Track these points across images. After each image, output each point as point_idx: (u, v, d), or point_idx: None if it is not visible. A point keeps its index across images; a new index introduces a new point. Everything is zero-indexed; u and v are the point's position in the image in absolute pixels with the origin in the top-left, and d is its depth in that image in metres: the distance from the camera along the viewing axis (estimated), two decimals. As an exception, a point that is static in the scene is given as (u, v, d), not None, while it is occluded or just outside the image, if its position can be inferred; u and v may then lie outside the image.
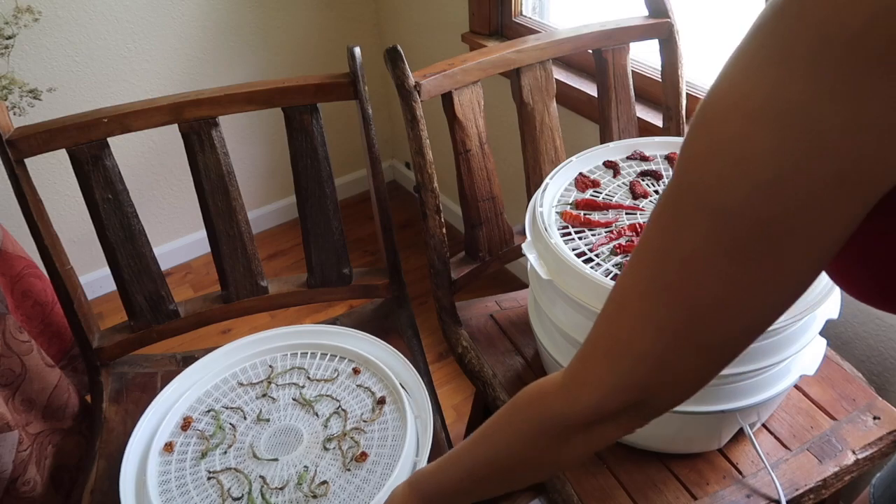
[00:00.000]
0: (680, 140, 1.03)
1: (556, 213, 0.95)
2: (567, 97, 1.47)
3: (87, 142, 0.98)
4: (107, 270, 1.09)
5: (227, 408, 0.96)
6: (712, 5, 1.36)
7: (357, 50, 1.02)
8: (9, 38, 1.56)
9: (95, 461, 0.98)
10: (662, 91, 1.21)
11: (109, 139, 0.99)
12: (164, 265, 1.41)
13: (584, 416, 0.49)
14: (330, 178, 1.10)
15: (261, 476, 0.86)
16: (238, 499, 0.84)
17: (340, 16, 2.09)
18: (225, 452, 0.90)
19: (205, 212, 1.09)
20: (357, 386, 0.98)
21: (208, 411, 0.95)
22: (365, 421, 0.92)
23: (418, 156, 1.04)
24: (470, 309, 1.16)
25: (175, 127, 1.02)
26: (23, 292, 1.10)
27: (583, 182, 1.00)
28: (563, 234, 0.91)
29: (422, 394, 0.93)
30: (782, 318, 0.78)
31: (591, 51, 1.18)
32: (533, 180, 1.18)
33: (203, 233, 1.12)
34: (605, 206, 0.95)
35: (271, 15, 1.97)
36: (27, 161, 0.97)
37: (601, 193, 0.98)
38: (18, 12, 1.55)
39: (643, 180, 1.00)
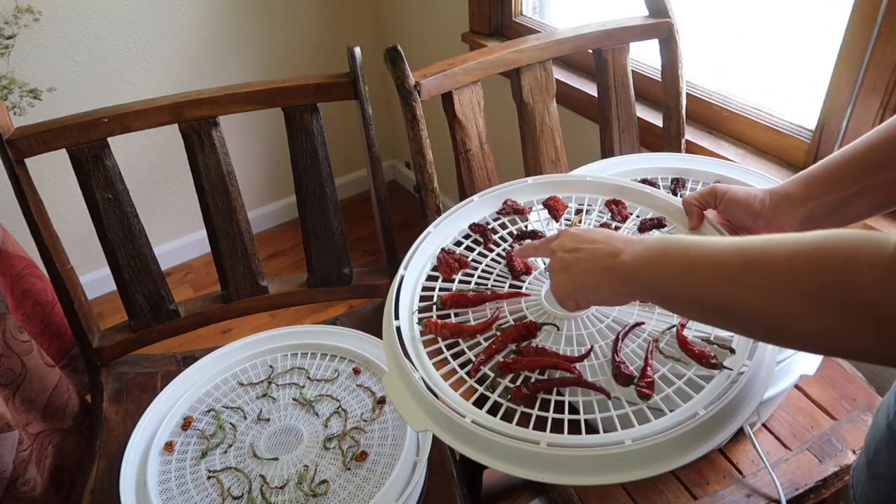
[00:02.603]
0: (553, 178, 0.88)
1: (418, 324, 0.71)
2: (567, 97, 1.47)
3: (87, 142, 0.98)
4: (107, 270, 1.09)
5: (227, 407, 0.96)
6: (712, 5, 1.36)
7: (357, 50, 1.02)
8: (9, 38, 1.56)
9: (95, 461, 0.98)
10: (662, 91, 1.21)
11: (109, 139, 0.99)
12: (164, 265, 1.41)
13: None
14: (330, 177, 1.10)
15: (261, 475, 0.86)
16: (238, 498, 0.84)
17: (340, 16, 2.09)
18: (225, 452, 0.90)
19: (205, 212, 1.09)
20: (357, 386, 0.98)
21: (209, 411, 0.95)
22: (365, 420, 0.92)
23: (418, 156, 1.04)
24: (470, 309, 1.15)
25: (175, 127, 1.02)
26: (23, 292, 1.10)
27: (447, 262, 0.78)
28: (432, 353, 0.69)
29: (422, 394, 0.93)
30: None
31: (591, 51, 1.18)
32: (533, 180, 1.18)
33: (203, 233, 1.12)
34: (479, 300, 0.74)
35: (271, 15, 1.97)
36: (27, 161, 0.97)
37: (473, 276, 0.77)
38: (18, 12, 1.55)
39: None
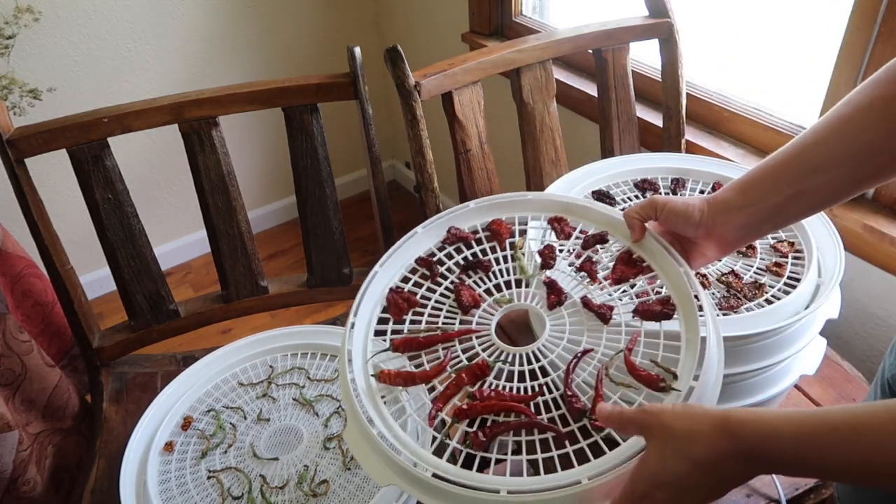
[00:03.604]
0: (495, 199, 0.85)
1: (373, 375, 0.70)
2: (567, 97, 1.47)
3: (87, 142, 0.98)
4: (107, 270, 1.09)
5: (227, 407, 0.96)
6: (712, 5, 1.36)
7: (357, 50, 1.02)
8: (9, 38, 1.56)
9: (95, 461, 0.98)
10: (662, 91, 1.21)
11: (109, 139, 0.99)
12: (164, 265, 1.41)
13: None
14: (330, 177, 1.10)
15: (261, 475, 0.86)
16: (238, 498, 0.84)
17: (340, 16, 2.09)
18: (225, 452, 0.90)
19: (205, 212, 1.09)
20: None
21: (209, 411, 0.95)
22: (365, 421, 0.92)
23: (418, 156, 1.04)
24: (470, 309, 1.15)
25: (175, 127, 1.02)
26: (23, 292, 1.10)
27: (396, 303, 0.76)
28: (393, 402, 0.69)
29: (422, 394, 0.93)
30: (783, 319, 0.79)
31: (591, 51, 1.18)
32: (533, 180, 1.18)
33: (203, 233, 1.12)
34: (430, 342, 0.72)
35: (271, 15, 1.97)
36: (27, 161, 0.97)
37: (423, 314, 0.75)
38: (18, 12, 1.55)
39: (469, 277, 0.78)
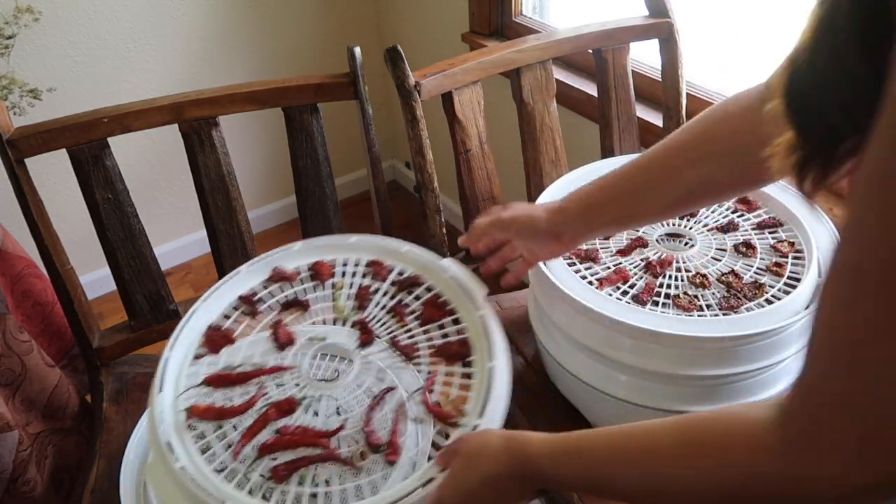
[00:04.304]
0: (320, 241, 0.89)
1: (184, 410, 0.71)
2: (567, 97, 1.47)
3: (87, 142, 0.98)
4: (107, 270, 1.09)
5: (227, 408, 0.96)
6: (712, 5, 1.36)
7: (357, 50, 1.02)
8: (9, 38, 1.56)
9: (95, 461, 0.98)
10: (662, 91, 1.21)
11: (109, 139, 0.99)
12: (164, 265, 1.41)
13: (816, 495, 0.40)
14: (330, 177, 1.10)
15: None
16: (238, 499, 0.84)
17: (340, 16, 2.09)
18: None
19: (205, 212, 1.09)
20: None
21: (208, 411, 0.95)
22: (365, 421, 0.92)
23: (418, 156, 1.05)
24: (470, 309, 1.15)
25: (175, 127, 1.02)
26: (23, 292, 1.10)
27: (213, 338, 0.78)
28: (201, 437, 0.70)
29: (421, 394, 0.93)
30: (783, 319, 0.79)
31: (591, 51, 1.18)
32: (533, 180, 1.18)
33: (203, 233, 1.12)
34: (242, 378, 0.74)
35: (271, 15, 1.97)
36: (27, 161, 0.97)
37: (239, 352, 0.78)
38: (18, 12, 1.55)
39: (289, 316, 0.81)
